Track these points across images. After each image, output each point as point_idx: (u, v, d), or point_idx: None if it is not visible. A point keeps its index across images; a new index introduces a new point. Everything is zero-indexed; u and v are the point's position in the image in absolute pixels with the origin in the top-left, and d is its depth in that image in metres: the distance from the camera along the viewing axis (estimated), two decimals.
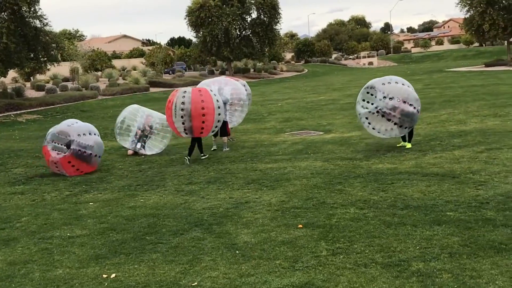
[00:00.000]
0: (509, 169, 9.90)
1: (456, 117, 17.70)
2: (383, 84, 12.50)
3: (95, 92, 38.46)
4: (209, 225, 7.99)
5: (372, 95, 12.53)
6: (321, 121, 19.99)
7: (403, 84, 12.52)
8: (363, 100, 12.72)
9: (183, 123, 13.04)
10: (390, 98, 12.24)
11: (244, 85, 16.56)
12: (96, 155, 12.98)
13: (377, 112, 12.37)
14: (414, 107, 12.36)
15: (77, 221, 8.73)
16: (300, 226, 7.58)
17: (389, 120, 12.37)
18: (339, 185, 9.82)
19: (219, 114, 13.30)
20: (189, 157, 13.49)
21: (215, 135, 15.02)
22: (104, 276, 6.30)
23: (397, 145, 13.23)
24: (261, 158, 13.30)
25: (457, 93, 25.94)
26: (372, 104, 12.49)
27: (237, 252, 6.76)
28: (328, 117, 21.11)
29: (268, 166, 12.14)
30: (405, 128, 12.53)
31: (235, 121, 15.87)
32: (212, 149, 15.07)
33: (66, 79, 51.39)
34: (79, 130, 12.96)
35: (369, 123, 12.68)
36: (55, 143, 12.78)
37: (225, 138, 14.98)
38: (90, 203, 9.92)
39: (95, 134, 13.17)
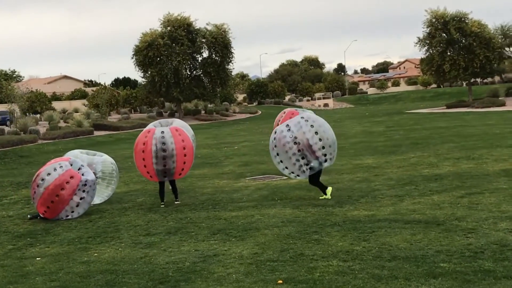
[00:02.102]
0: (496, 215, 9.77)
1: (426, 160, 17.73)
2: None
3: (35, 136, 37.39)
4: (175, 282, 7.50)
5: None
6: None
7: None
8: None
9: (164, 165, 12.92)
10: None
11: None
12: None
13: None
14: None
15: (23, 279, 8.08)
16: (280, 281, 7.16)
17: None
18: (315, 234, 9.48)
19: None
20: (163, 203, 13.42)
21: None
22: None
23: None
24: (224, 205, 12.89)
25: (423, 135, 26.23)
26: None
27: None
28: None
29: (233, 214, 11.73)
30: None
31: None
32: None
33: (2, 123, 50.05)
34: None
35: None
36: None
37: None
38: (37, 258, 9.27)
39: None
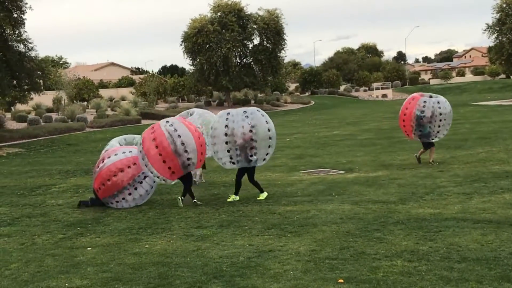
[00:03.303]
0: None
1: (496, 155, 17.36)
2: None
3: (82, 124, 38.27)
4: (230, 277, 7.54)
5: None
6: (339, 158, 19.61)
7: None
8: None
9: (188, 159, 12.52)
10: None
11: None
12: None
13: None
14: None
15: (75, 269, 8.28)
16: (341, 280, 7.12)
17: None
18: (377, 232, 9.39)
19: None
20: (183, 198, 13.03)
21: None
22: None
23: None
24: (278, 199, 12.89)
25: (492, 129, 25.67)
26: None
27: None
28: (347, 154, 20.74)
29: (287, 209, 11.72)
30: None
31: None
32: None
33: (49, 110, 51.28)
34: None
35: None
36: None
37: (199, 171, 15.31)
38: (88, 248, 9.49)
39: None
